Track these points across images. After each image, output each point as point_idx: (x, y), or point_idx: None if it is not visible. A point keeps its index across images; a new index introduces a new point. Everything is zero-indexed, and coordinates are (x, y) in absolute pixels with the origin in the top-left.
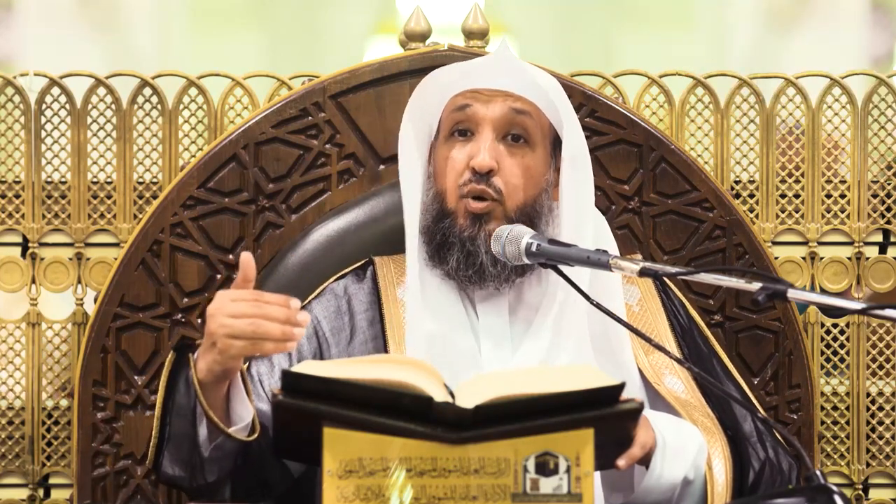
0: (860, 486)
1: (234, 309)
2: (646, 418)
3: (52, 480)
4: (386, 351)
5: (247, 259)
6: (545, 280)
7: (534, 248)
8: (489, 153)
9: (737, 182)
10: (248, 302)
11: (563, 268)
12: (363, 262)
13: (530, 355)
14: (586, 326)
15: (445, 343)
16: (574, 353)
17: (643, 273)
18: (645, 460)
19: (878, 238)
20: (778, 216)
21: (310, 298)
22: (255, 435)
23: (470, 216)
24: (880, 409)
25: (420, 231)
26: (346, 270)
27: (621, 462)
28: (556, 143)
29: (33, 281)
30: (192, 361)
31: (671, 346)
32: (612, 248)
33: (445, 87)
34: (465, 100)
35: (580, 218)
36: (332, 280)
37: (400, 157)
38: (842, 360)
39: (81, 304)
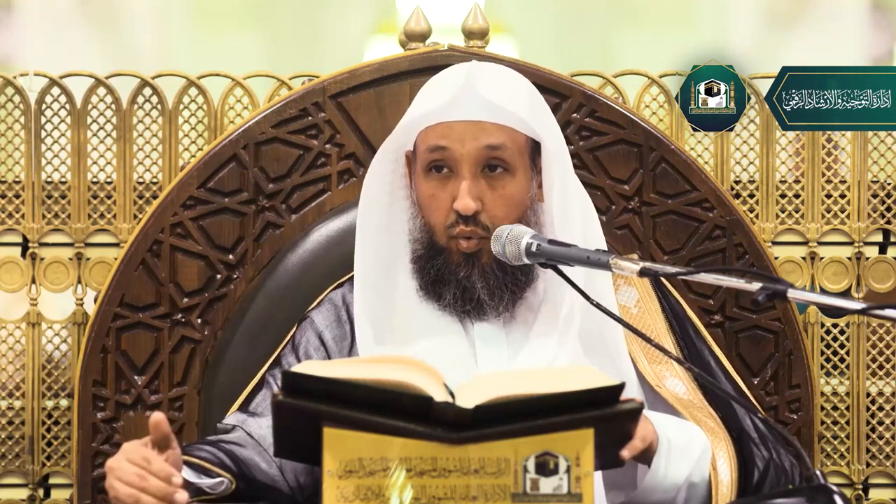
0: (860, 486)
1: (122, 473)
2: (644, 415)
3: (52, 480)
4: None
5: (156, 420)
6: (542, 285)
7: (534, 248)
8: (470, 195)
9: (737, 182)
10: (135, 470)
11: (563, 268)
12: None
13: (533, 361)
14: (577, 329)
15: (439, 351)
16: (572, 357)
17: (643, 273)
18: (646, 458)
19: (878, 238)
20: (778, 216)
21: (309, 309)
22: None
23: (463, 255)
24: (880, 409)
25: (411, 259)
26: (343, 279)
27: (625, 453)
28: (535, 149)
29: (33, 281)
30: None
31: (670, 346)
32: (600, 239)
33: (417, 118)
34: (438, 138)
35: (566, 212)
36: (329, 289)
37: (368, 178)
38: (842, 360)
39: (81, 304)
